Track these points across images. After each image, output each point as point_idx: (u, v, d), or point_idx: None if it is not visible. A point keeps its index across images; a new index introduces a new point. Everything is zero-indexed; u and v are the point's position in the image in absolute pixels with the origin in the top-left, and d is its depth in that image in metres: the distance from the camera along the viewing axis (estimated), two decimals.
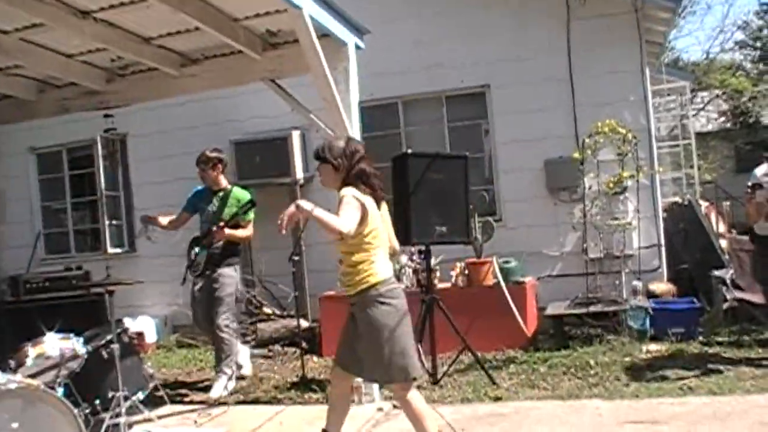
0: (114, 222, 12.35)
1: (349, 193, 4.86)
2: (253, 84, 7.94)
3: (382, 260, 5.04)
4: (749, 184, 7.18)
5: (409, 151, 7.79)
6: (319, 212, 4.65)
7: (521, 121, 10.44)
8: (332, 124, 6.87)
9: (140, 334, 10.72)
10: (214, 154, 7.91)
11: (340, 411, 5.36)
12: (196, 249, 7.84)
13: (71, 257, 12.38)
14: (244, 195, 7.84)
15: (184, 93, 8.18)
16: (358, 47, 7.25)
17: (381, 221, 5.13)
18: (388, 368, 4.94)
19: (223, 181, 8.01)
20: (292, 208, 4.77)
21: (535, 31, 10.47)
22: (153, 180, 11.63)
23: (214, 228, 7.64)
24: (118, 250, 12.28)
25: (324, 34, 6.72)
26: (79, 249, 12.83)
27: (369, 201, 4.97)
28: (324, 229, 4.68)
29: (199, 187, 8.14)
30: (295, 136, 10.61)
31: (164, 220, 8.06)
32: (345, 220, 4.69)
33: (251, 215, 7.79)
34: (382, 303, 4.91)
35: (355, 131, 6.92)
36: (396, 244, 5.56)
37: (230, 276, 7.84)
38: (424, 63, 10.76)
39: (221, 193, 7.93)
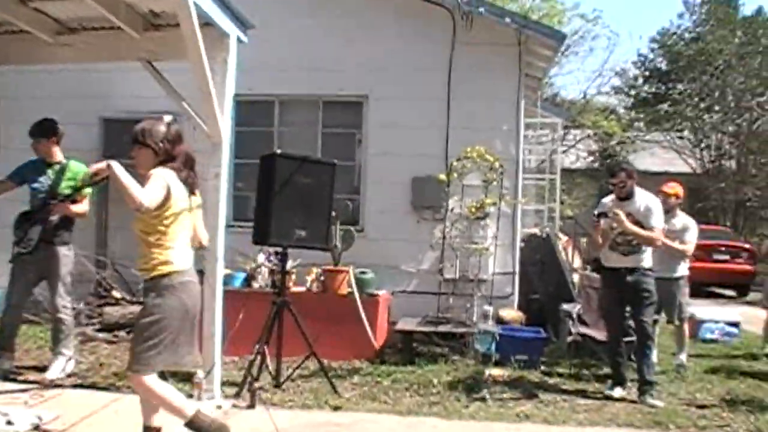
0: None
1: (158, 172, 4.76)
2: (130, 63, 7.64)
3: (181, 249, 4.94)
4: (596, 212, 7.58)
5: (278, 151, 7.71)
6: (125, 177, 4.55)
7: (395, 135, 10.52)
8: (204, 115, 6.75)
9: None
10: (49, 125, 7.59)
11: (146, 404, 5.20)
12: (27, 225, 7.38)
13: None
14: (81, 168, 7.40)
15: (56, 61, 7.85)
16: (240, 40, 7.14)
17: (188, 211, 5.03)
18: (138, 355, 4.82)
19: (59, 154, 7.63)
20: (102, 164, 4.73)
21: (420, 48, 10.59)
22: (18, 146, 11.16)
23: (53, 202, 7.29)
24: None
25: (207, 23, 6.57)
26: None
27: (178, 186, 4.88)
28: (124, 196, 4.57)
29: (33, 158, 7.72)
30: (167, 120, 10.36)
31: None
32: (147, 193, 4.59)
33: (88, 190, 7.36)
34: (171, 294, 4.82)
35: (226, 124, 6.82)
36: (204, 238, 5.45)
37: (66, 255, 7.54)
38: (306, 64, 10.72)
39: (57, 167, 7.55)
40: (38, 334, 9.36)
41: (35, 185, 7.52)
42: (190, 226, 5.11)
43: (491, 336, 8.68)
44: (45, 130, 7.57)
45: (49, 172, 7.54)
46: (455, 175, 9.63)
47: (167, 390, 4.93)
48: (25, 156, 10.23)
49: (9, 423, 5.69)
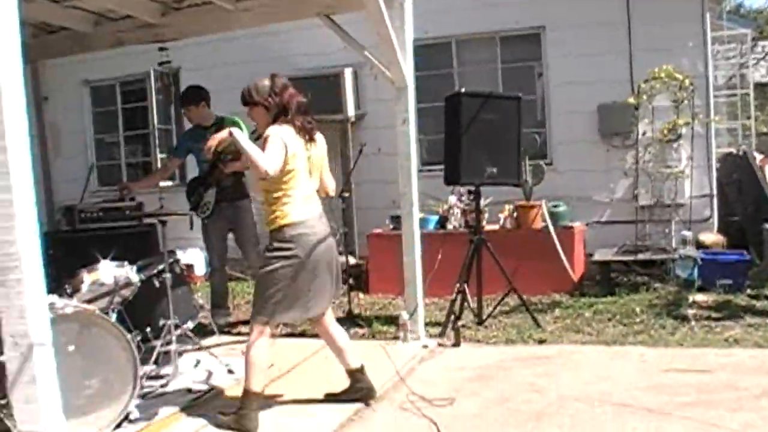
0: (165, 155, 12.44)
1: (273, 132, 4.84)
2: (305, 20, 7.81)
3: (299, 202, 4.99)
4: None
5: (462, 90, 7.70)
6: (248, 145, 4.70)
7: (576, 64, 10.26)
8: (386, 62, 6.83)
9: (189, 266, 10.86)
10: (195, 91, 7.80)
11: (334, 349, 5.46)
12: (201, 189, 7.66)
13: None
14: (236, 123, 7.33)
15: (238, 27, 8.11)
16: None
17: (307, 161, 5.07)
18: (256, 305, 5.03)
19: (212, 116, 7.78)
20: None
21: None
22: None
23: (221, 162, 7.17)
24: (169, 183, 12.36)
25: None
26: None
27: (295, 141, 4.94)
28: (249, 164, 4.76)
29: (190, 127, 7.99)
30: (348, 73, 10.60)
31: (147, 181, 8.20)
32: (270, 160, 4.71)
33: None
34: (283, 247, 4.92)
35: (409, 69, 6.90)
36: (330, 188, 5.46)
37: (248, 209, 7.77)
38: (479, 2, 10.60)
39: (213, 128, 7.38)
40: (246, 289, 9.79)
41: (198, 152, 7.58)
42: (312, 177, 5.18)
43: (692, 261, 8.52)
44: (191, 98, 7.76)
45: (208, 134, 7.30)
46: (644, 97, 9.33)
47: (261, 355, 5.02)
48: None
49: (230, 371, 6.12)
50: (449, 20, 10.63)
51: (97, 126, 13.22)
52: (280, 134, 4.84)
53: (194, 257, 11.07)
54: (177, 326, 6.02)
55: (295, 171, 4.94)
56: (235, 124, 7.21)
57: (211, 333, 7.06)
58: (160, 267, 6.17)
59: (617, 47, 10.12)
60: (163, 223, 6.18)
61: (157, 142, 12.46)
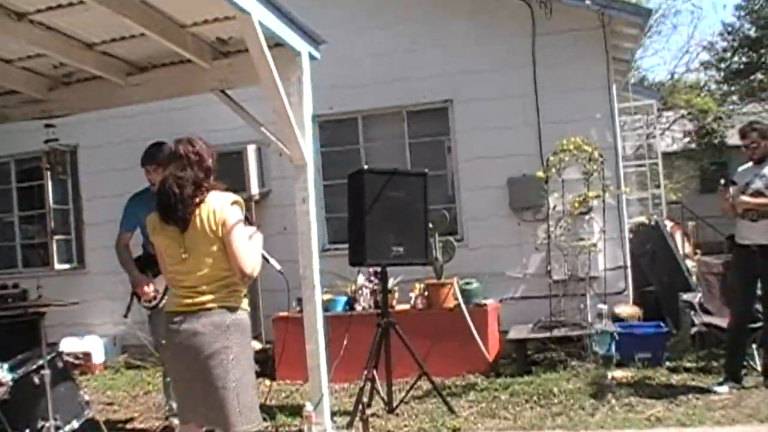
0: (63, 236, 11.89)
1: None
2: (209, 96, 7.49)
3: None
4: (722, 180, 7.24)
5: (366, 167, 7.44)
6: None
7: (484, 138, 10.14)
8: (284, 139, 6.52)
9: (87, 355, 10.39)
10: (156, 149, 6.60)
11: None
12: (148, 272, 6.49)
13: (19, 273, 11.87)
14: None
15: (130, 103, 7.75)
16: (312, 57, 6.90)
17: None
18: None
19: None
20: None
21: (500, 45, 10.21)
22: (104, 193, 11.14)
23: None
24: (66, 266, 11.82)
25: (277, 44, 6.41)
26: (26, 264, 12.33)
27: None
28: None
29: (139, 190, 6.86)
30: (251, 150, 10.31)
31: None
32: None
33: None
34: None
35: (307, 146, 6.58)
36: (244, 266, 4.44)
37: None
38: (385, 76, 10.42)
39: None
40: (145, 378, 9.24)
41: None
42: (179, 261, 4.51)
43: (610, 336, 8.35)
44: (150, 157, 6.66)
45: None
46: (553, 170, 9.22)
47: None
48: (112, 204, 10.22)
49: None
50: (354, 95, 10.44)
51: None
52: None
53: (92, 344, 10.55)
54: (58, 428, 5.55)
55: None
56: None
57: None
58: (40, 362, 5.68)
59: (526, 119, 10.05)
60: (41, 314, 5.71)
61: (52, 223, 11.89)
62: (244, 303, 4.53)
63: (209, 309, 4.35)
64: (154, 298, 6.48)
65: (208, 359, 4.27)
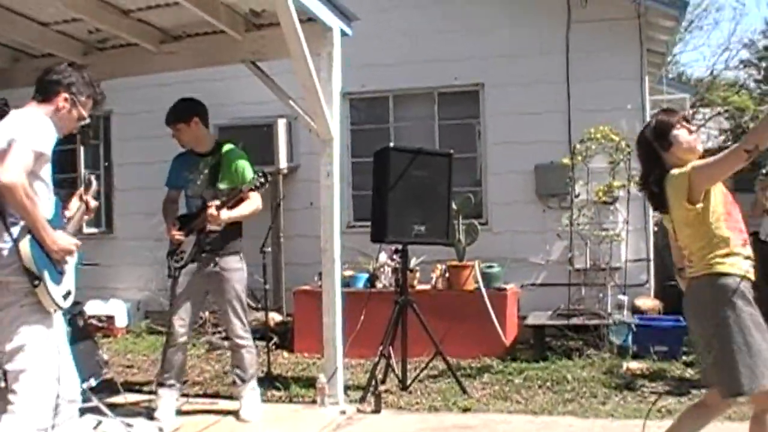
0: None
1: None
2: (241, 69, 7.47)
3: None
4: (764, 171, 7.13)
5: (391, 145, 7.49)
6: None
7: (514, 122, 10.14)
8: (312, 113, 6.57)
9: (110, 318, 10.52)
10: (185, 105, 6.34)
11: None
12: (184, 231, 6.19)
13: None
14: (241, 157, 6.25)
15: (162, 71, 7.79)
16: (344, 34, 6.92)
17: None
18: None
19: (210, 139, 6.44)
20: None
21: (534, 31, 10.19)
22: (135, 160, 11.25)
23: (210, 210, 5.88)
24: (94, 230, 11.96)
25: (309, 18, 6.44)
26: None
27: None
28: None
29: (182, 150, 6.51)
30: (281, 124, 10.33)
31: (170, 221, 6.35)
32: None
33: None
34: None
35: (335, 121, 6.62)
36: None
37: (237, 269, 6.19)
38: (418, 57, 10.42)
39: (209, 158, 6.25)
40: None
41: (186, 185, 6.36)
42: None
43: (627, 327, 8.33)
44: (180, 114, 6.29)
45: (201, 165, 6.30)
46: (579, 158, 9.18)
47: None
48: (143, 171, 10.27)
49: None
50: (387, 74, 10.46)
51: None
52: None
53: (116, 308, 10.67)
54: None
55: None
56: (240, 158, 6.28)
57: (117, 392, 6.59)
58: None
59: (557, 107, 10.03)
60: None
61: (83, 188, 11.97)
62: None
63: None
64: (179, 243, 6.19)
65: None
